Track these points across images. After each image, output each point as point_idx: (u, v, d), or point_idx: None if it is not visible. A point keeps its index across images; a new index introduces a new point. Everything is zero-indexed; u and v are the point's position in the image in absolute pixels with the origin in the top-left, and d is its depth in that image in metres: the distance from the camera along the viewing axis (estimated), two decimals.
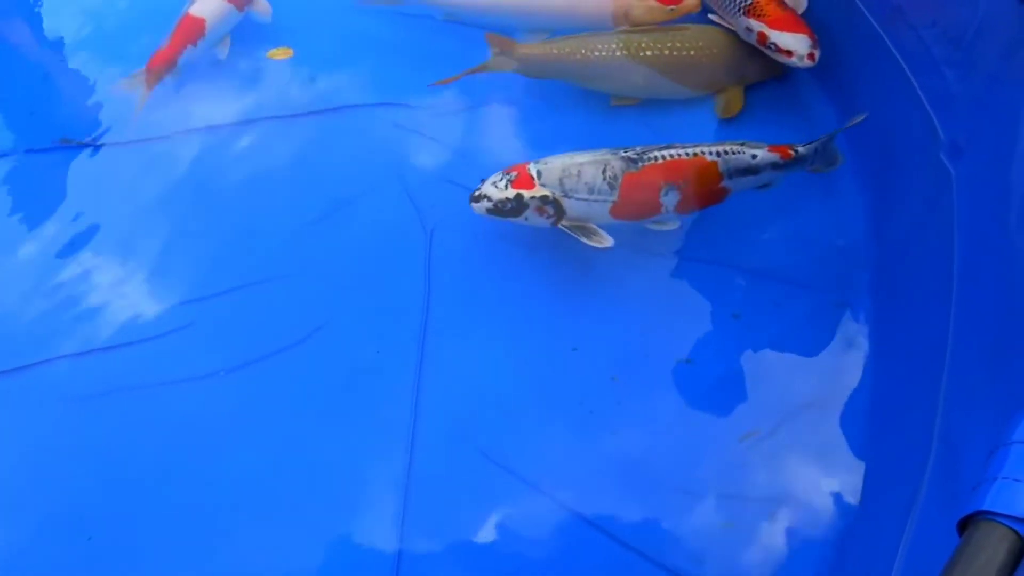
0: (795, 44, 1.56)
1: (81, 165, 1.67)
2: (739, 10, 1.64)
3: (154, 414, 1.36)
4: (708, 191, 1.44)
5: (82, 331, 1.45)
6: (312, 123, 1.69)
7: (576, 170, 1.39)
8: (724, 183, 1.43)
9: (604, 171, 1.38)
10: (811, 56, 1.56)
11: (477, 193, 1.41)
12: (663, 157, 1.41)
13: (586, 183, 1.39)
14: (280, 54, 1.80)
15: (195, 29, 1.73)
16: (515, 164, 1.43)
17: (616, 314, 1.44)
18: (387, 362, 1.40)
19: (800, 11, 1.64)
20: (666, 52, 1.64)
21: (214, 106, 1.72)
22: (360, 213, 1.57)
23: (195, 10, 1.74)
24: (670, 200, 1.41)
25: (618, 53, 1.64)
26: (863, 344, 1.39)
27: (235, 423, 1.35)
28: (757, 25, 1.60)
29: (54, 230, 1.57)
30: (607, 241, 1.39)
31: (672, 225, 1.47)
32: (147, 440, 1.34)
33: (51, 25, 1.91)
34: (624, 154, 1.41)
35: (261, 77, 1.77)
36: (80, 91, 1.79)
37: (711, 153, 1.42)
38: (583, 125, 1.68)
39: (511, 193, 1.39)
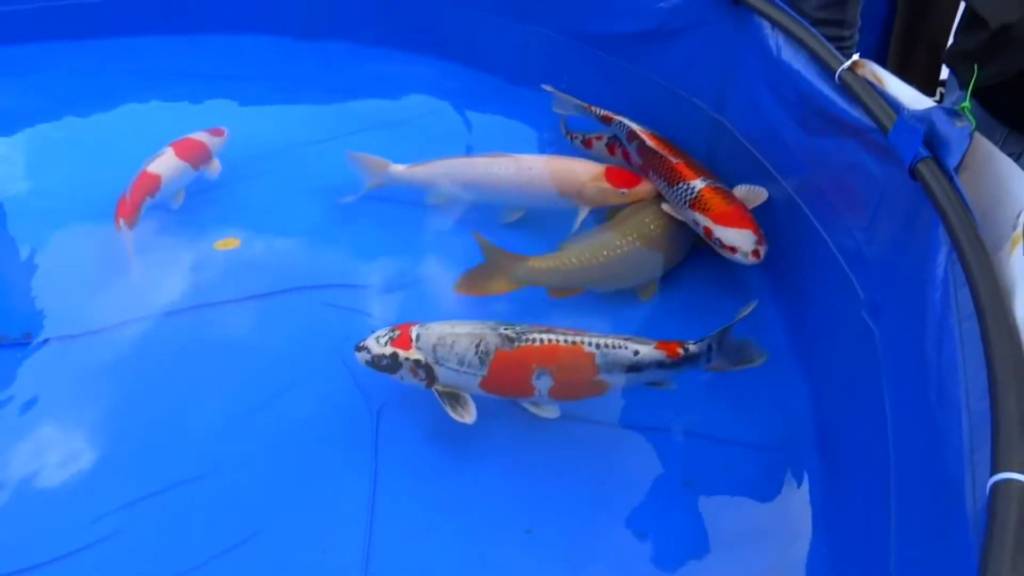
0: (739, 241, 1.56)
1: (11, 363, 1.62)
2: (685, 203, 1.65)
3: None
4: (583, 382, 1.40)
5: None
6: (249, 309, 1.70)
7: (451, 340, 1.40)
8: (601, 376, 1.39)
9: (478, 345, 1.39)
10: (755, 253, 1.55)
11: (361, 344, 1.44)
12: (541, 340, 1.39)
13: (457, 354, 1.39)
14: (227, 245, 1.83)
15: (151, 184, 1.84)
16: (404, 323, 1.46)
17: (567, 490, 1.41)
18: (333, 560, 1.34)
19: (758, 202, 1.64)
20: (666, 222, 1.69)
21: (150, 297, 1.71)
22: (302, 398, 1.55)
23: (151, 168, 1.86)
24: (542, 384, 1.39)
25: (638, 244, 1.66)
26: (815, 505, 1.38)
27: None
28: (703, 219, 1.61)
29: None
30: (468, 418, 1.38)
31: (551, 413, 1.42)
32: None
33: None
34: (503, 331, 1.41)
35: (199, 265, 1.79)
36: (16, 284, 1.78)
37: (591, 344, 1.39)
38: (526, 304, 1.69)
39: (388, 350, 1.41)
